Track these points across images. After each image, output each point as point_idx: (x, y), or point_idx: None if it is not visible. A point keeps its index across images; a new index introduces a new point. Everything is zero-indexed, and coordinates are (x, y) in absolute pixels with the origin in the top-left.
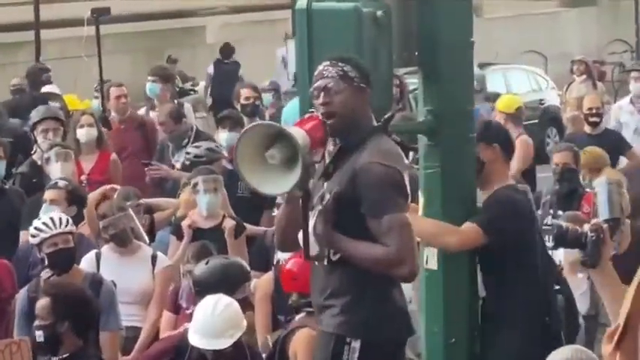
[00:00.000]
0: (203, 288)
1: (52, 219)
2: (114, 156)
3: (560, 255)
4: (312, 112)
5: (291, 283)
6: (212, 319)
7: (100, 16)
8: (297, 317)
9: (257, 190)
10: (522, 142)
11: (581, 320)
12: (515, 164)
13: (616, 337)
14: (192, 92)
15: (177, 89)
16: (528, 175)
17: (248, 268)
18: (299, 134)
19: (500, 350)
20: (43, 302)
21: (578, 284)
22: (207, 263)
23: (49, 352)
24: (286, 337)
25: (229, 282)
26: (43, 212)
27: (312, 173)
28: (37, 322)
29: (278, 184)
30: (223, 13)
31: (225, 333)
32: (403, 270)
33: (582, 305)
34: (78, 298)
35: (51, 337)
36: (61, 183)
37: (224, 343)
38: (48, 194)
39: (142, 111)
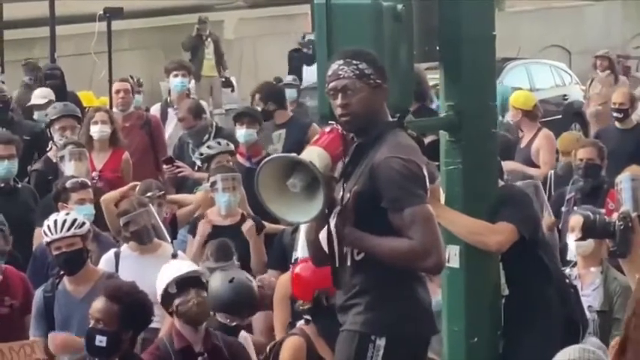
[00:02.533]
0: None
1: (55, 222)
2: (127, 155)
3: (572, 250)
4: (332, 124)
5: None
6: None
7: (113, 15)
8: (298, 324)
9: (286, 221)
10: (547, 136)
11: (595, 316)
12: (548, 158)
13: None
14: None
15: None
16: None
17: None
18: (317, 155)
19: (524, 350)
20: (108, 306)
21: (592, 279)
22: (231, 281)
23: (105, 356)
24: (281, 344)
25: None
26: (77, 213)
27: (334, 187)
28: (100, 326)
29: (305, 212)
30: (241, 7)
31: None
32: (429, 262)
33: (595, 300)
34: (144, 309)
35: (113, 345)
36: (84, 181)
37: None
38: (81, 194)
39: (155, 107)
